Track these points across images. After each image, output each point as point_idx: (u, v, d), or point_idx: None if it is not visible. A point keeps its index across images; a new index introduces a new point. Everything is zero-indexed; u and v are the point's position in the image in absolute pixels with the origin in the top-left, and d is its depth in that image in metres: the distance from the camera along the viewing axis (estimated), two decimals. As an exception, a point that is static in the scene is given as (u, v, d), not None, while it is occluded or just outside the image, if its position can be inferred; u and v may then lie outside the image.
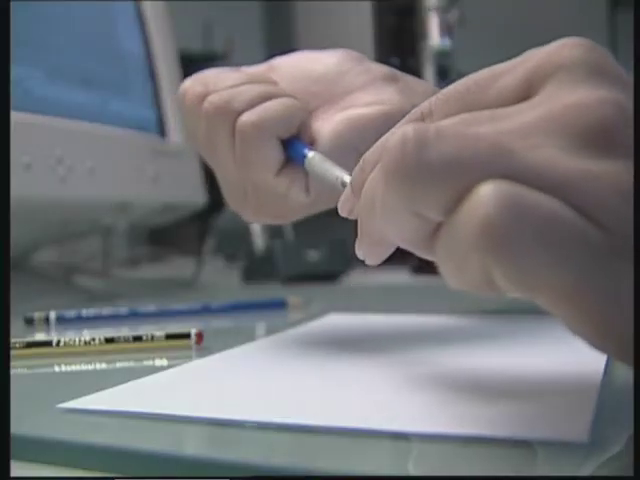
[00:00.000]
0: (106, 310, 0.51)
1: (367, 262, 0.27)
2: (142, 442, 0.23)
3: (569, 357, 0.30)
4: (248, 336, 0.41)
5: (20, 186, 0.53)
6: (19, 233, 0.48)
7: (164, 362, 0.36)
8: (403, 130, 0.19)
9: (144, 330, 0.39)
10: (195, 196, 0.78)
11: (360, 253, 0.26)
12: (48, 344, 0.38)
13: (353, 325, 0.45)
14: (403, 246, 0.22)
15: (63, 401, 0.27)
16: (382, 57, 1.75)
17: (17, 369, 0.35)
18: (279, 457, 0.22)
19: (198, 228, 0.99)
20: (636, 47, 0.53)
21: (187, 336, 0.38)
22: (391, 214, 0.21)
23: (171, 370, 0.33)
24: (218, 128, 0.36)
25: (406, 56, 1.71)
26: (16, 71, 0.57)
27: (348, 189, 0.28)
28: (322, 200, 0.37)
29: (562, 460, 0.20)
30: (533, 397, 0.27)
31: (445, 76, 1.66)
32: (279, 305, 0.55)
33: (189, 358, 0.36)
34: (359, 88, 0.37)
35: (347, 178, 0.32)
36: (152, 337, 0.38)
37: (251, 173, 0.36)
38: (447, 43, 1.64)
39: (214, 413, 0.25)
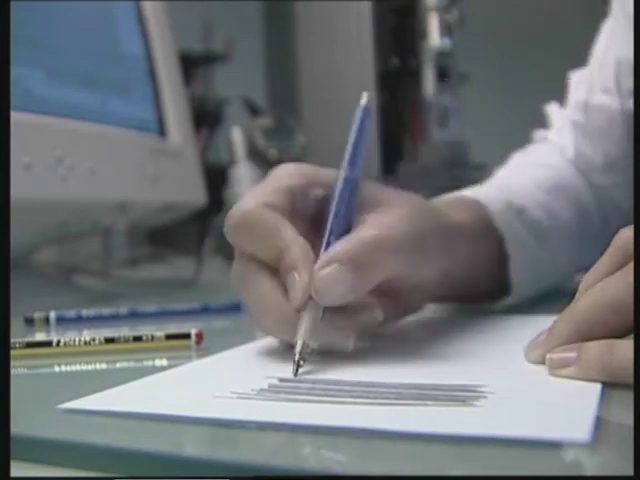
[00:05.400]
0: (106, 310, 0.51)
1: None
2: (142, 442, 0.23)
3: None
4: (248, 336, 0.41)
5: (20, 186, 0.53)
6: (19, 233, 0.48)
7: (164, 362, 0.36)
8: None
9: (144, 330, 0.39)
10: (195, 196, 0.78)
11: None
12: (48, 344, 0.38)
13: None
14: None
15: (63, 401, 0.27)
16: (382, 57, 1.75)
17: (17, 369, 0.35)
18: (279, 457, 0.22)
19: (198, 228, 0.99)
20: (636, 47, 0.53)
21: (187, 336, 0.38)
22: None
23: (171, 370, 0.33)
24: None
25: (406, 56, 1.71)
26: (16, 71, 0.57)
27: None
28: None
29: (563, 460, 0.21)
30: (534, 396, 0.27)
31: (445, 76, 1.66)
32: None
33: (189, 358, 0.36)
34: None
35: None
36: (152, 337, 0.38)
37: None
38: (447, 43, 1.64)
39: (214, 413, 0.25)
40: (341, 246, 0.34)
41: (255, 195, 0.36)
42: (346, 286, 0.33)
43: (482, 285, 0.46)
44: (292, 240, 0.34)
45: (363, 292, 0.34)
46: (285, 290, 0.34)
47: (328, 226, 0.35)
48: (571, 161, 0.60)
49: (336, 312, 0.33)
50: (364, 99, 0.40)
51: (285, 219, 0.35)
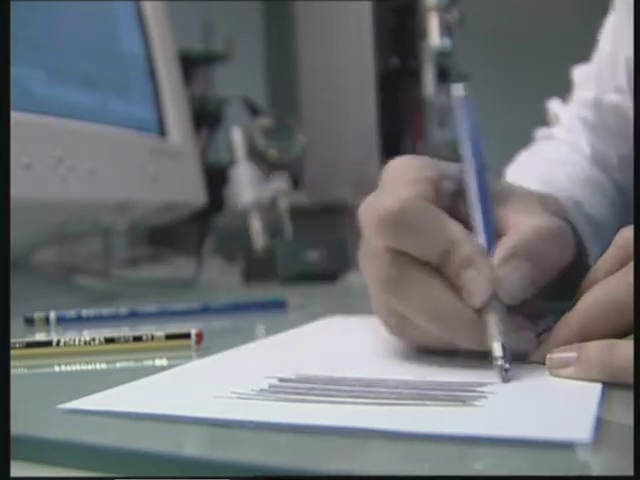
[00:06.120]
0: (106, 310, 0.51)
1: None
2: (142, 442, 0.23)
3: None
4: (248, 336, 0.41)
5: (20, 186, 0.53)
6: (19, 233, 0.48)
7: (164, 362, 0.36)
8: None
9: (144, 330, 0.39)
10: (195, 196, 0.78)
11: None
12: (48, 344, 0.38)
13: (352, 326, 0.45)
14: None
15: (63, 401, 0.27)
16: (382, 57, 1.75)
17: (17, 369, 0.35)
18: (279, 457, 0.22)
19: (198, 228, 0.99)
20: (636, 47, 0.53)
21: (187, 336, 0.38)
22: None
23: (171, 370, 0.33)
24: None
25: (406, 56, 1.71)
26: (16, 71, 0.57)
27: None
28: None
29: (563, 460, 0.20)
30: (535, 396, 0.27)
31: (445, 76, 1.66)
32: (279, 305, 0.55)
33: (189, 358, 0.36)
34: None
35: None
36: (152, 337, 0.38)
37: None
38: (447, 43, 1.64)
39: (214, 413, 0.25)
40: (514, 240, 0.31)
41: (399, 189, 0.32)
42: (530, 280, 0.31)
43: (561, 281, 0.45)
44: (461, 235, 0.31)
45: (542, 285, 0.32)
46: (456, 290, 0.31)
47: (480, 220, 0.33)
48: (589, 158, 0.60)
49: (512, 311, 0.31)
50: (460, 90, 0.37)
51: (444, 212, 0.32)
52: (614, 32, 0.60)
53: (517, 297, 0.31)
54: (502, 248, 0.31)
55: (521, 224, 0.32)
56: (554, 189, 0.49)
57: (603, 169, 0.59)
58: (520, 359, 0.30)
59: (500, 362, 0.28)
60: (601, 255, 0.33)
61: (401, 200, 0.31)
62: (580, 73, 0.63)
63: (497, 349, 0.29)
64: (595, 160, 0.60)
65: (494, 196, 0.34)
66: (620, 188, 0.59)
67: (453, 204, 0.34)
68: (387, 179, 0.34)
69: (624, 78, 0.58)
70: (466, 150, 0.35)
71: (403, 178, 0.33)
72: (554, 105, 0.65)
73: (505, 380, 0.28)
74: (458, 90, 0.37)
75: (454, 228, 0.31)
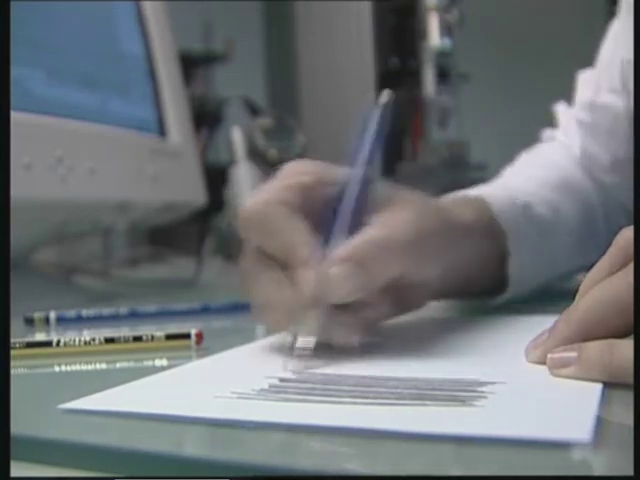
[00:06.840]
0: (106, 310, 0.51)
1: None
2: (142, 442, 0.23)
3: None
4: (248, 336, 0.41)
5: (20, 186, 0.53)
6: (19, 233, 0.48)
7: (164, 362, 0.36)
8: None
9: (144, 330, 0.39)
10: (195, 196, 0.78)
11: None
12: (48, 344, 0.38)
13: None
14: None
15: (63, 401, 0.27)
16: (382, 57, 1.75)
17: (17, 369, 0.35)
18: (279, 457, 0.22)
19: (198, 228, 0.99)
20: (636, 47, 0.53)
21: (187, 336, 0.38)
22: None
23: (171, 370, 0.33)
24: None
25: (406, 56, 1.71)
26: (16, 71, 0.56)
27: None
28: None
29: (563, 460, 0.21)
30: (535, 396, 0.27)
31: (445, 76, 1.66)
32: (279, 305, 0.55)
33: (189, 358, 0.36)
34: None
35: None
36: (152, 337, 0.38)
37: None
38: (447, 43, 1.64)
39: (214, 413, 0.25)
40: (350, 245, 0.34)
41: (267, 191, 0.37)
42: (354, 285, 0.33)
43: (483, 282, 0.47)
44: (302, 237, 0.35)
45: (370, 291, 0.35)
46: (293, 286, 0.34)
47: (338, 224, 0.36)
48: (577, 160, 0.60)
49: (341, 309, 0.34)
50: (385, 97, 0.40)
51: (296, 216, 0.36)
52: (616, 36, 0.60)
53: (339, 298, 0.34)
54: (335, 253, 0.34)
55: (364, 232, 0.35)
56: (511, 190, 0.51)
57: (592, 171, 0.60)
58: (337, 351, 0.33)
59: (297, 352, 0.32)
60: (598, 257, 0.33)
61: (257, 203, 0.36)
62: (584, 77, 0.63)
63: (299, 340, 0.33)
64: (584, 162, 0.60)
65: (379, 202, 0.37)
66: (608, 191, 0.59)
67: (332, 208, 0.37)
68: (268, 184, 0.38)
69: (618, 79, 0.59)
70: (360, 157, 0.38)
71: (276, 183, 0.37)
72: (559, 107, 0.66)
73: (296, 369, 0.31)
74: (384, 96, 0.40)
75: (298, 231, 0.35)
